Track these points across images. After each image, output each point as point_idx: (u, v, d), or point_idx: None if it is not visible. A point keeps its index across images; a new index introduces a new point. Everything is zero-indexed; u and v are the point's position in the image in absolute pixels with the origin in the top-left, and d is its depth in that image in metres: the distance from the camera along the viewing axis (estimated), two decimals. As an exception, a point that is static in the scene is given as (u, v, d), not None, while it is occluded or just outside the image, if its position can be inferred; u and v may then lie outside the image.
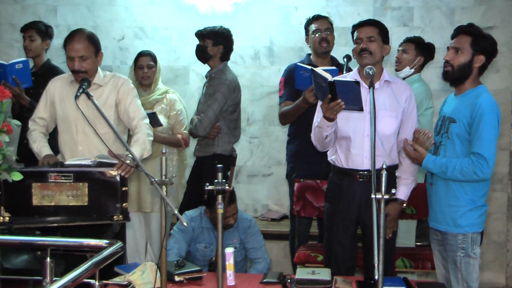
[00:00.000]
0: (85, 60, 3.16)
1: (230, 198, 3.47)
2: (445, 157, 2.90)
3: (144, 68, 4.07)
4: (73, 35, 3.20)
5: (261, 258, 3.63)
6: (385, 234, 3.10)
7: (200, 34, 4.11)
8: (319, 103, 3.11)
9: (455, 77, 2.92)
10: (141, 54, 4.13)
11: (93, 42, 3.22)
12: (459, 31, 2.94)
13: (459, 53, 2.89)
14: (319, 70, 2.98)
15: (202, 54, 4.13)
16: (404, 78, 4.05)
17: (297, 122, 3.97)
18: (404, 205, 3.14)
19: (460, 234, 2.89)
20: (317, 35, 3.96)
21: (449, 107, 3.00)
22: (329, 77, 2.86)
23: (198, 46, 4.13)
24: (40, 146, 3.24)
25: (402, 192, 3.13)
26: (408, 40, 4.13)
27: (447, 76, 2.95)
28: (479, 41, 2.87)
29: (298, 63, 3.87)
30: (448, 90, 3.14)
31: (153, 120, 3.84)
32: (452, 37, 2.97)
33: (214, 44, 4.06)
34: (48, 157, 3.17)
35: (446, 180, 2.90)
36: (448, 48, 2.99)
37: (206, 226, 3.65)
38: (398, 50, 4.15)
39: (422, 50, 4.10)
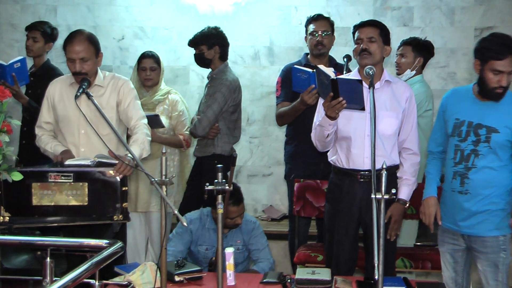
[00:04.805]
0: (85, 61, 3.13)
1: (238, 197, 3.49)
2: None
3: (147, 70, 4.05)
4: (73, 37, 3.17)
5: (264, 259, 3.61)
6: (390, 236, 3.10)
7: (193, 42, 4.10)
8: (320, 102, 3.10)
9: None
10: (144, 56, 4.09)
11: (93, 43, 3.19)
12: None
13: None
14: (323, 67, 2.97)
15: (201, 61, 4.12)
16: (405, 81, 3.99)
17: (295, 123, 3.95)
18: (407, 205, 3.13)
19: (501, 236, 2.91)
20: (313, 36, 3.94)
21: (476, 112, 2.90)
22: (332, 75, 2.86)
23: (195, 54, 4.12)
24: (53, 146, 3.23)
25: (404, 192, 3.12)
26: (405, 43, 4.06)
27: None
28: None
29: (295, 65, 3.81)
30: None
31: (156, 122, 3.83)
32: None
33: (209, 47, 4.05)
34: (65, 152, 3.16)
35: (487, 188, 2.89)
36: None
37: (210, 227, 3.64)
38: (396, 54, 4.09)
39: (420, 50, 4.03)
